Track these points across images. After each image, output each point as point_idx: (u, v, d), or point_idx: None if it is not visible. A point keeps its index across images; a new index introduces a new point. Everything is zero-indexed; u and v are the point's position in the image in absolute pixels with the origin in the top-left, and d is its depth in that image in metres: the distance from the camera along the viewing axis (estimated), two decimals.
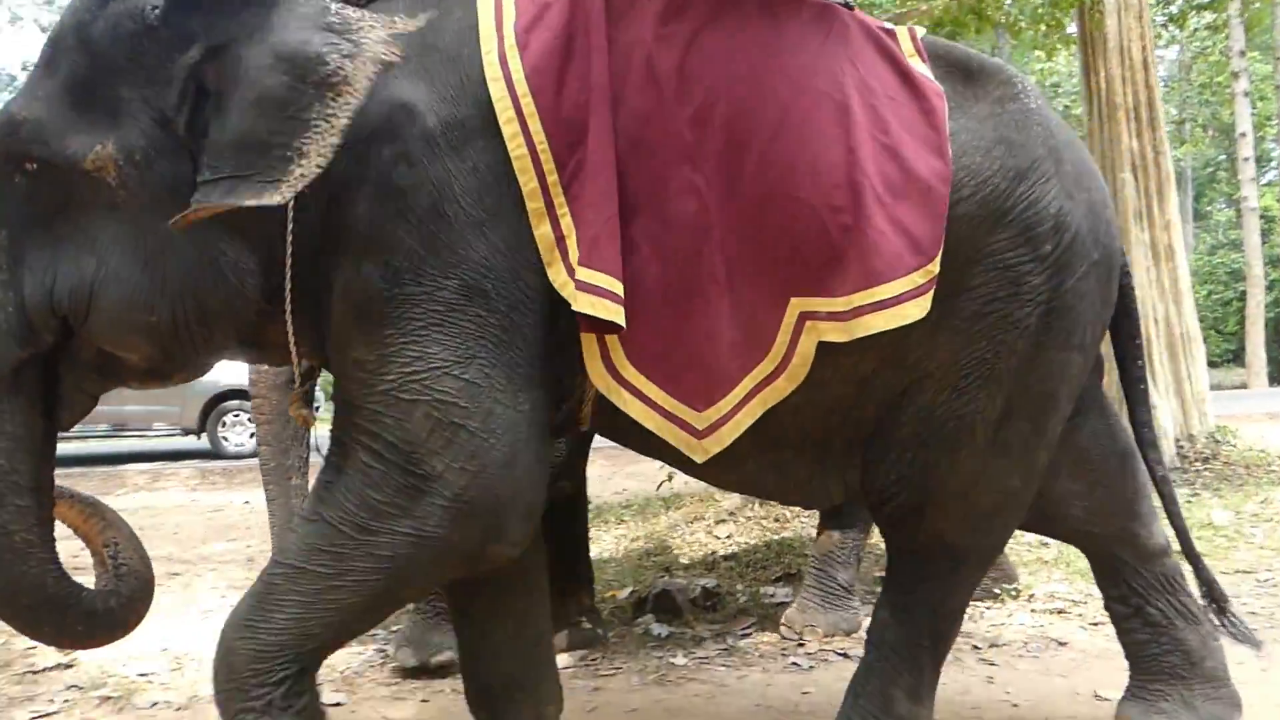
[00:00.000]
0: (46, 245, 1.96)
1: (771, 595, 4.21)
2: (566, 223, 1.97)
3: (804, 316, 2.00)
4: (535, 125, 1.97)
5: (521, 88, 1.97)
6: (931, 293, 1.99)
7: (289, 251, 1.99)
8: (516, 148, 1.95)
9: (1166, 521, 2.56)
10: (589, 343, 2.02)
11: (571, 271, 1.93)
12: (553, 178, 1.98)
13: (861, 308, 1.97)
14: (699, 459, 2.08)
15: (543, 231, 1.97)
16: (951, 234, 2.03)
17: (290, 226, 1.97)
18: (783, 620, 3.72)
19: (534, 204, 1.97)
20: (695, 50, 2.05)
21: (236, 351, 2.22)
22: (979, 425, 2.13)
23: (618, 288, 1.94)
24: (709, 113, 2.01)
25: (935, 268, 2.00)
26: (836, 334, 1.98)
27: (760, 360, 2.02)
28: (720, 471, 2.27)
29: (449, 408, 1.91)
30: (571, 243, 1.95)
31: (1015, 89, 2.23)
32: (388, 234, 1.96)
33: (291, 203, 1.90)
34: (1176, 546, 2.55)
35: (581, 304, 1.93)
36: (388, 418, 1.93)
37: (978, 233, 2.08)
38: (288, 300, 2.01)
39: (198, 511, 7.45)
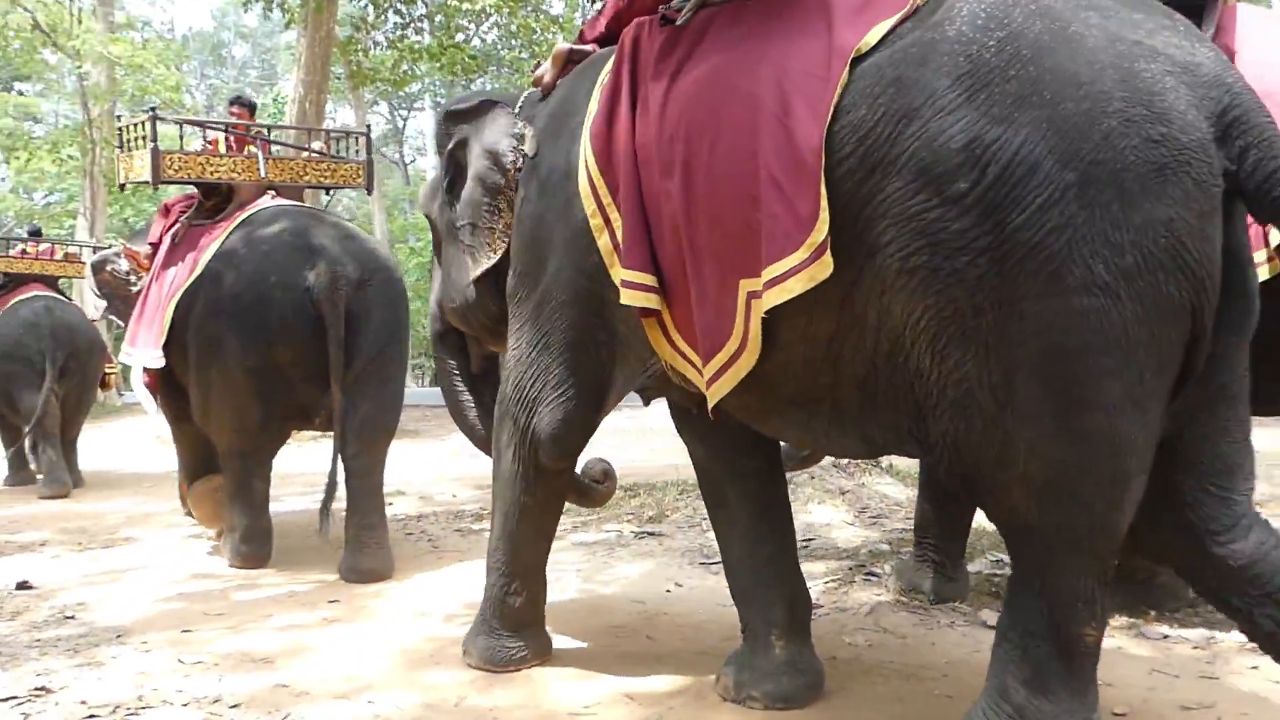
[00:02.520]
0: (440, 266, 3.64)
1: None
2: (620, 234, 2.58)
3: (750, 295, 2.25)
4: (593, 164, 2.67)
5: (588, 145, 2.70)
6: (819, 263, 2.08)
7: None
8: (583, 185, 2.69)
9: None
10: (650, 326, 2.60)
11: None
12: (607, 199, 2.62)
13: (769, 282, 2.16)
14: (710, 404, 2.47)
15: (603, 241, 2.64)
16: (842, 196, 2.07)
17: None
18: None
19: (595, 221, 2.65)
20: (674, 82, 2.48)
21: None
22: (979, 391, 1.99)
23: (649, 279, 2.51)
24: (677, 132, 2.41)
25: (818, 238, 2.07)
26: (763, 308, 2.20)
27: (725, 342, 2.34)
28: (765, 424, 2.61)
29: (526, 381, 2.99)
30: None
31: (951, 7, 2.07)
32: (517, 252, 3.06)
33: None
34: None
35: (624, 297, 2.54)
36: (507, 385, 3.10)
37: (866, 188, 2.05)
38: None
39: None
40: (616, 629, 3.76)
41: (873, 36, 2.12)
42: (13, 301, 8.76)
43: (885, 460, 5.70)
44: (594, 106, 2.73)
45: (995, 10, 2.01)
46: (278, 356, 4.83)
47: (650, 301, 2.51)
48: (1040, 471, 1.98)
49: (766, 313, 2.20)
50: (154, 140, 5.50)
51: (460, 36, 15.08)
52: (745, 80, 2.29)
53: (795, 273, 2.11)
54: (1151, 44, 1.95)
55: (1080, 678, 2.07)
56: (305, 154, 6.06)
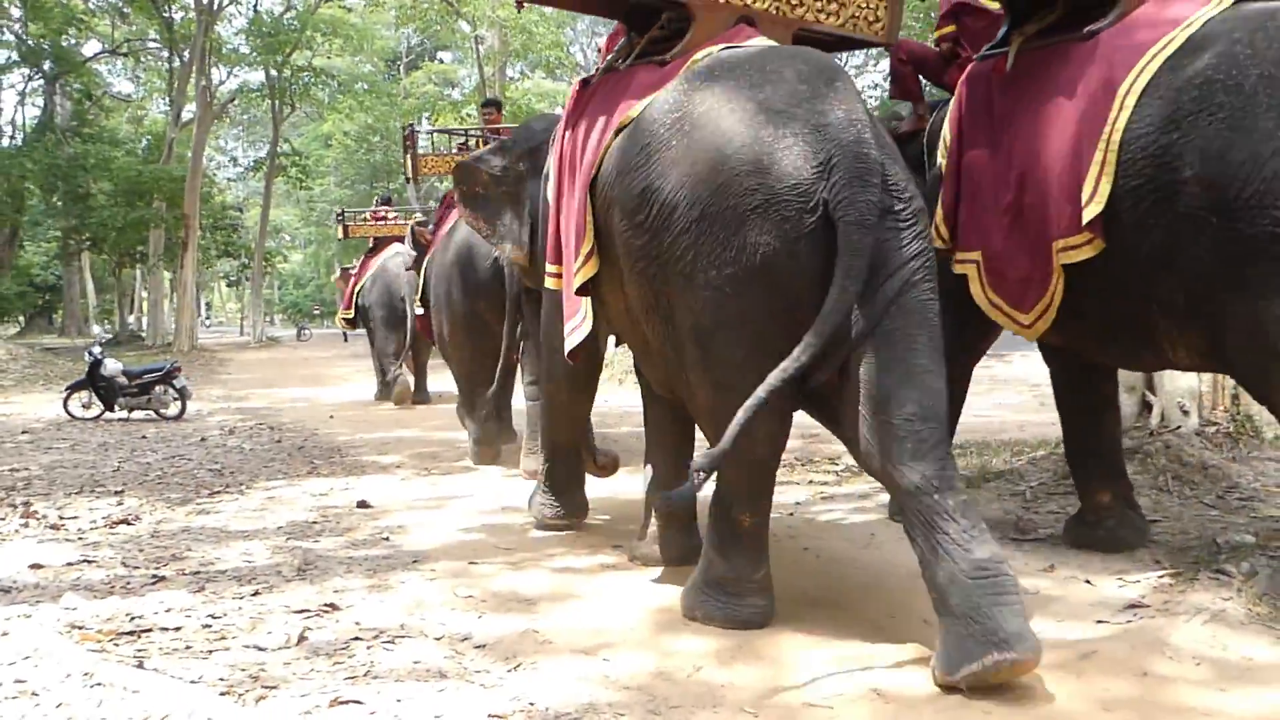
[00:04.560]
0: None
1: None
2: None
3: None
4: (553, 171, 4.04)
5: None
6: (587, 266, 3.49)
7: None
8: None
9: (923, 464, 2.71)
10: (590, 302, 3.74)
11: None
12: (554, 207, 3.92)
13: (573, 271, 3.59)
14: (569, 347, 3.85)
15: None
16: (602, 224, 3.44)
17: None
18: None
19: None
20: (579, 135, 3.74)
21: None
22: (671, 347, 3.20)
23: (554, 269, 3.88)
24: (577, 163, 3.70)
25: (585, 249, 3.49)
26: (571, 288, 3.65)
27: (578, 308, 3.72)
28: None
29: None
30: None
31: (669, 92, 3.29)
32: None
33: None
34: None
35: (547, 282, 3.99)
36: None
37: (609, 220, 3.36)
38: None
39: None
40: (891, 609, 3.36)
41: (634, 112, 3.38)
42: (380, 257, 11.65)
43: (1271, 431, 4.63)
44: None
45: (682, 97, 3.17)
46: (478, 308, 6.41)
47: (556, 284, 3.90)
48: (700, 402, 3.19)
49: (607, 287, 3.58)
50: (414, 147, 7.85)
51: None
52: (584, 134, 3.70)
53: (578, 271, 3.53)
54: (792, 112, 2.90)
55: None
56: None
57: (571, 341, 3.71)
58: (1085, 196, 3.18)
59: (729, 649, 3.03)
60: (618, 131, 3.36)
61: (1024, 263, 3.50)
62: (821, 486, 5.52)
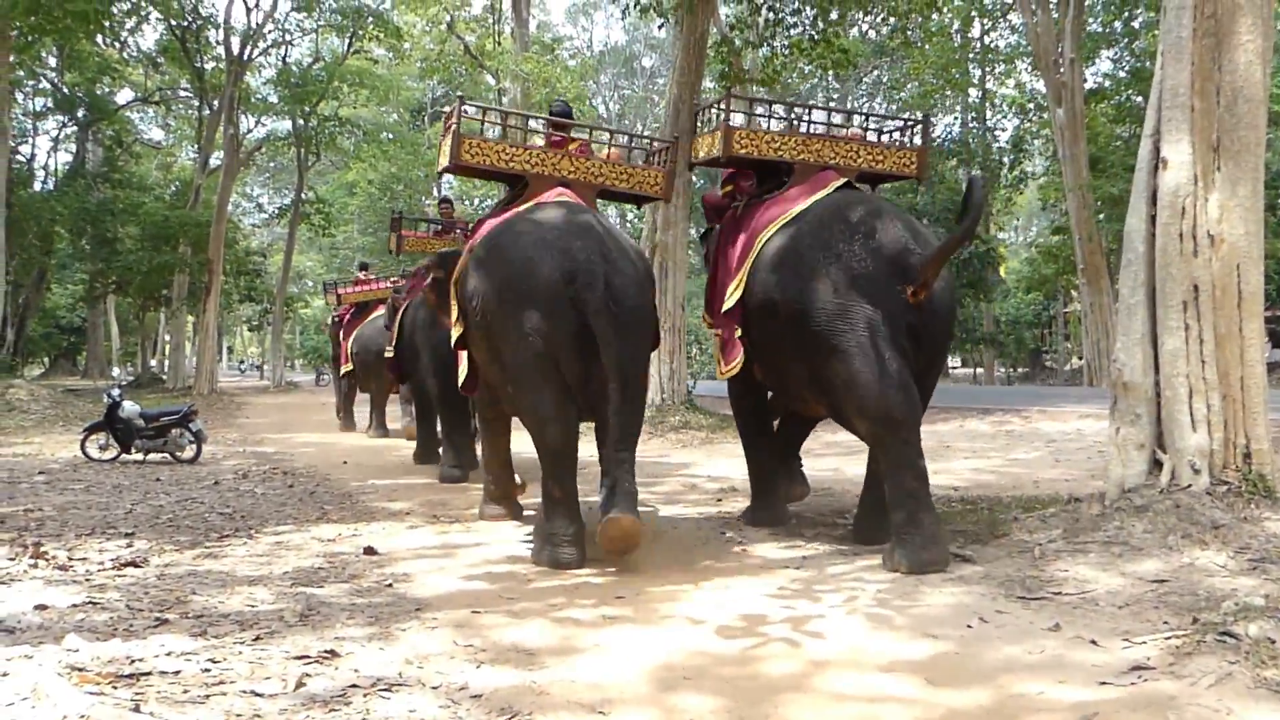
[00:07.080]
0: None
1: None
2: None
3: None
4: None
5: None
6: (454, 328, 6.04)
7: None
8: None
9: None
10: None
11: None
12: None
13: None
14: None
15: None
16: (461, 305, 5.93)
17: None
18: None
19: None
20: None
21: None
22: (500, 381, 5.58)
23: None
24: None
25: (452, 324, 6.14)
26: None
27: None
28: None
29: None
30: None
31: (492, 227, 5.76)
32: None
33: None
34: None
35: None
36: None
37: (469, 300, 5.65)
38: None
39: None
40: (891, 666, 3.31)
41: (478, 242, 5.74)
42: (370, 317, 13.59)
43: None
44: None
45: (497, 230, 5.49)
46: None
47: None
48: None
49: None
50: (398, 229, 9.83)
51: (854, 31, 14.74)
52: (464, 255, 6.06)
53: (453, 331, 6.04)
54: (553, 241, 5.09)
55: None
56: None
57: (462, 385, 6.08)
58: (729, 302, 5.45)
59: (730, 711, 2.99)
60: (470, 251, 5.61)
61: (726, 334, 5.65)
62: (830, 542, 5.47)
